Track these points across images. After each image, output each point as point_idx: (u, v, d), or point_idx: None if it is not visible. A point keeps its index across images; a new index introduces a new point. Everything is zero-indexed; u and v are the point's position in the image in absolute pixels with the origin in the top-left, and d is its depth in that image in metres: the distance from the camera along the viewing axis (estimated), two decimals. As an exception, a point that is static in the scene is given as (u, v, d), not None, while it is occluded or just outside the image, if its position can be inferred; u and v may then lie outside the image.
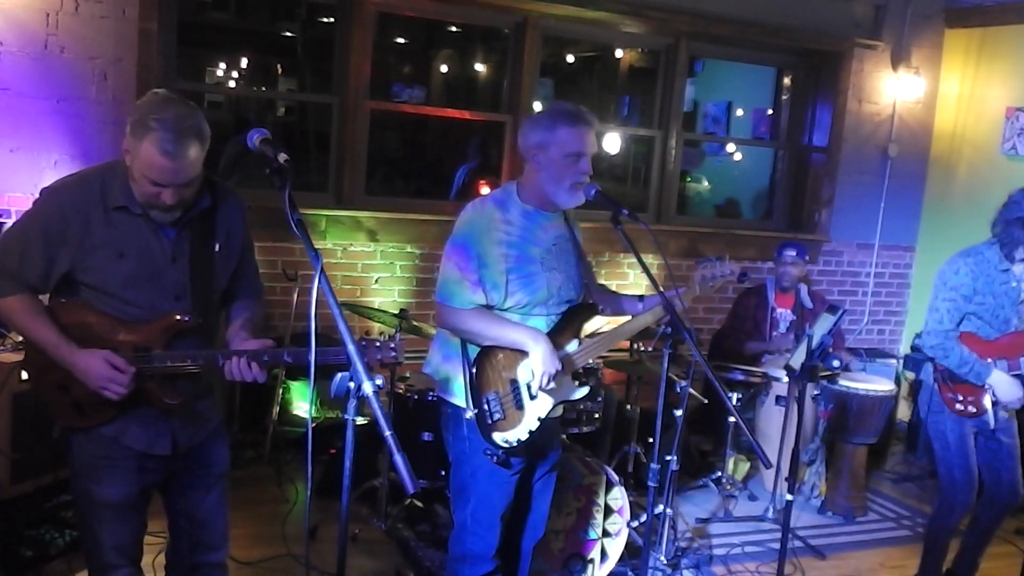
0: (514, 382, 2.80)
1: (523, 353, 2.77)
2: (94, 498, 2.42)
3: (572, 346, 2.89)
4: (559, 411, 2.97)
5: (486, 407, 2.77)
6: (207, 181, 2.41)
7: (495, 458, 2.79)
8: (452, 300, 2.77)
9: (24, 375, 3.38)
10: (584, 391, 2.95)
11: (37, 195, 2.36)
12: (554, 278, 2.84)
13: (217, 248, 2.44)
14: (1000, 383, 3.53)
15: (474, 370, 2.77)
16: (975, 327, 3.58)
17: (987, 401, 3.55)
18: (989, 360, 3.54)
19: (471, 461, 2.86)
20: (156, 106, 2.22)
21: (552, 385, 2.75)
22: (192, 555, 2.62)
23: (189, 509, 2.58)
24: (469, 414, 2.77)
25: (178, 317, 2.35)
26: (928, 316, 3.63)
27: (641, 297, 3.11)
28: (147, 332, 2.34)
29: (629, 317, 3.10)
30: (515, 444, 2.80)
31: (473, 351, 2.81)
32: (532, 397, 2.82)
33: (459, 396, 2.84)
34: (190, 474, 2.55)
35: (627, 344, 4.61)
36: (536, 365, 2.73)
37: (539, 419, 2.83)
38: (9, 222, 4.14)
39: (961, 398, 3.60)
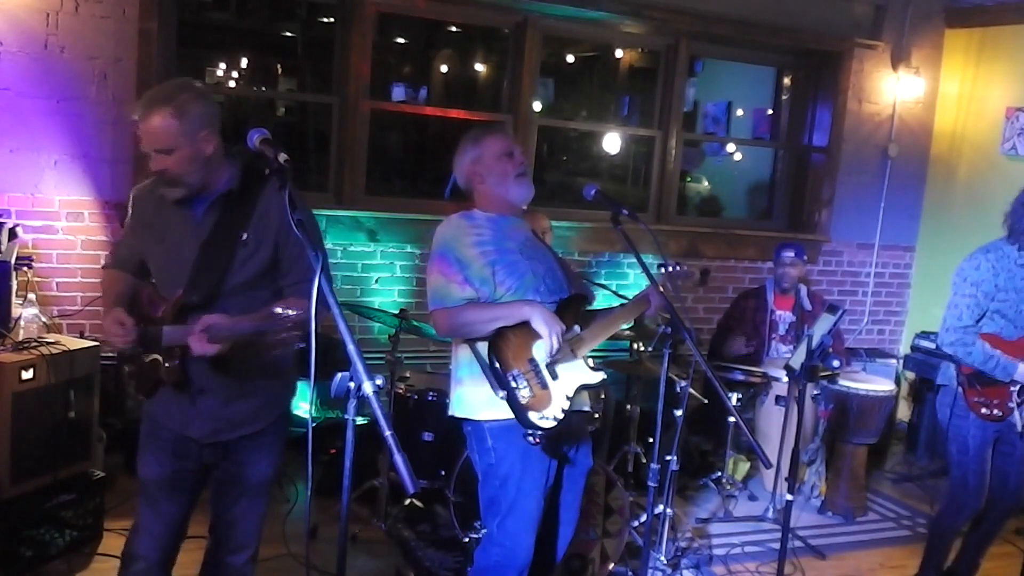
0: (533, 361, 2.82)
1: (534, 333, 2.78)
2: (138, 473, 2.61)
3: (574, 331, 2.92)
4: (586, 404, 2.99)
5: (514, 384, 2.77)
6: (243, 166, 2.50)
7: (535, 439, 2.77)
8: (445, 302, 2.83)
9: (27, 375, 3.39)
10: (600, 376, 2.95)
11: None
12: (537, 267, 2.92)
13: (244, 237, 2.45)
14: None
15: (493, 355, 2.79)
16: (998, 327, 3.51)
17: (1013, 403, 3.50)
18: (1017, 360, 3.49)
19: (498, 471, 2.87)
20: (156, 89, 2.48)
21: (556, 345, 2.75)
22: (216, 551, 2.72)
23: (219, 509, 2.69)
24: (501, 394, 2.76)
25: (177, 295, 2.45)
26: (946, 313, 3.54)
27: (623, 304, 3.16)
28: (166, 310, 2.46)
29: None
30: (553, 423, 2.78)
31: (482, 345, 2.83)
32: (554, 377, 2.83)
33: (478, 409, 2.86)
34: (224, 478, 2.64)
35: (627, 344, 4.61)
36: (540, 327, 2.75)
37: (568, 397, 2.83)
38: (9, 222, 4.14)
39: (987, 401, 3.53)
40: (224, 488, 2.65)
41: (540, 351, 2.80)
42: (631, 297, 3.16)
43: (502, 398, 2.77)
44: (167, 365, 2.46)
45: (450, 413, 2.97)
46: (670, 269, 3.17)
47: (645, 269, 2.86)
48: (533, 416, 2.78)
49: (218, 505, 2.68)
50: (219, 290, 2.45)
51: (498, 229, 2.92)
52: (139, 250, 2.61)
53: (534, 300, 2.83)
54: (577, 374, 2.88)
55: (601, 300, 3.35)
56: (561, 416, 2.81)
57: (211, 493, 2.70)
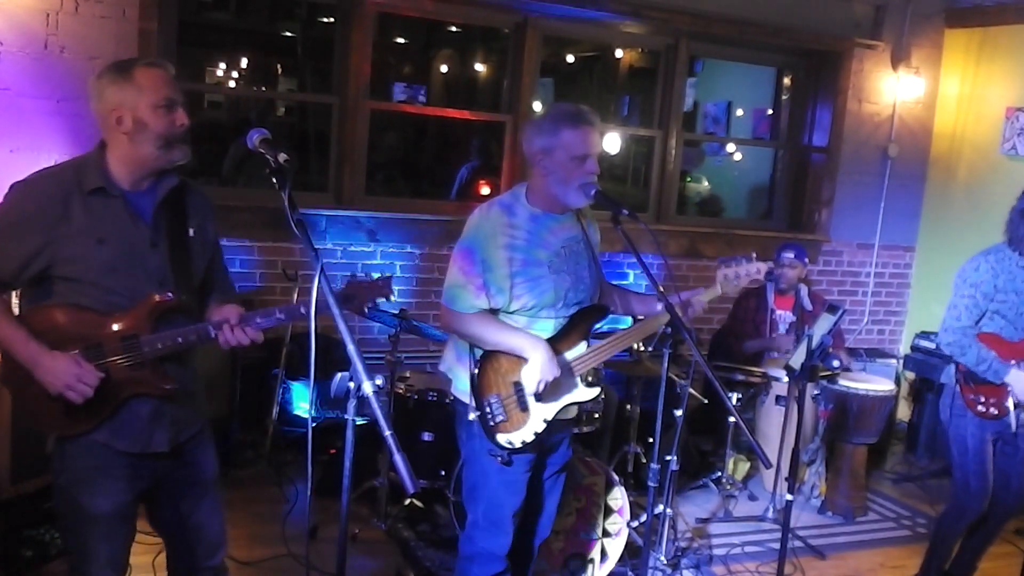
0: (517, 384, 2.81)
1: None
2: (87, 512, 2.34)
3: (580, 348, 2.89)
4: (572, 412, 2.98)
5: (488, 410, 2.77)
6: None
7: (499, 459, 2.79)
8: (455, 304, 2.79)
9: None
10: (595, 392, 2.96)
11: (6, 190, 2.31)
12: (562, 281, 2.83)
13: (192, 233, 2.44)
14: (1018, 381, 3.47)
15: (476, 372, 2.78)
16: (998, 327, 3.52)
17: (1009, 403, 3.51)
18: (1012, 361, 3.49)
19: (480, 459, 2.86)
20: (121, 60, 2.36)
21: (542, 389, 2.76)
22: (190, 560, 2.59)
23: (181, 519, 2.53)
24: (472, 416, 2.78)
25: (159, 297, 2.30)
26: (946, 314, 3.58)
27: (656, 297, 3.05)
28: (131, 319, 2.29)
29: (639, 316, 3.11)
30: (519, 446, 2.80)
31: (478, 353, 2.82)
32: (538, 399, 2.82)
33: (468, 394, 2.85)
34: (180, 483, 2.50)
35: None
36: (534, 372, 2.75)
37: (545, 421, 2.84)
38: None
39: (983, 399, 3.54)
40: (181, 495, 2.51)
41: (527, 375, 2.79)
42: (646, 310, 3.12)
43: (472, 419, 2.78)
44: (165, 381, 2.34)
45: (452, 391, 2.95)
46: (739, 262, 3.03)
47: (645, 269, 2.84)
48: (501, 438, 2.79)
49: (177, 515, 2.52)
50: (193, 289, 2.43)
51: (535, 232, 2.81)
52: (41, 257, 2.23)
53: (539, 340, 2.77)
54: (568, 395, 2.88)
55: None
56: (531, 439, 2.82)
57: (162, 508, 2.52)
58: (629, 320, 4.18)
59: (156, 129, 2.29)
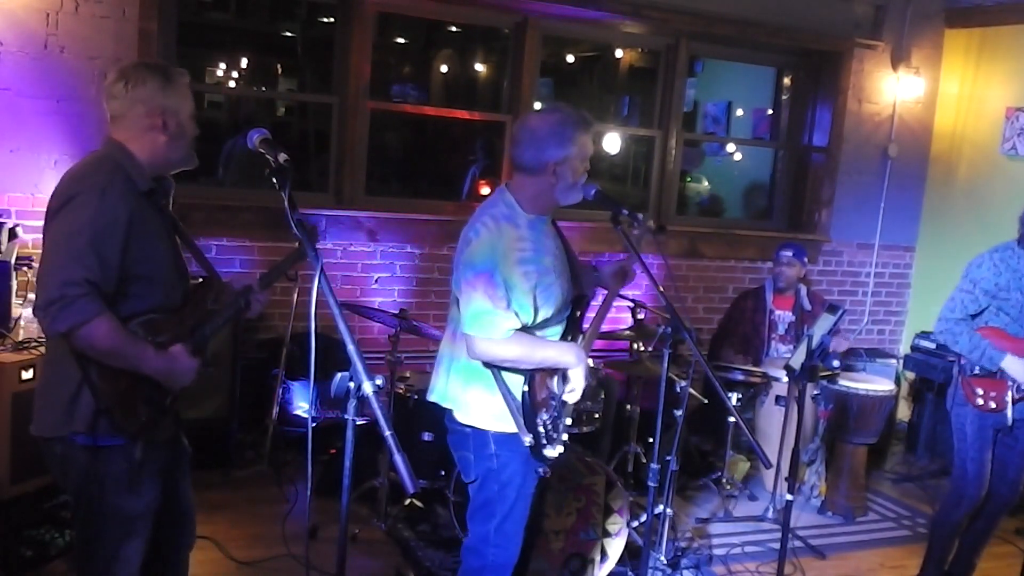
0: (553, 396, 2.80)
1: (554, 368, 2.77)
2: (126, 514, 2.32)
3: (579, 342, 2.89)
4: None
5: (541, 430, 2.74)
6: None
7: (545, 472, 2.81)
8: (490, 332, 2.65)
9: (27, 375, 3.38)
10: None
11: (77, 194, 2.23)
12: (564, 283, 2.82)
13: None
14: (1014, 366, 3.49)
15: (527, 390, 2.72)
16: (1003, 324, 3.57)
17: (1008, 397, 3.54)
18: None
19: (499, 477, 2.81)
20: (152, 63, 2.44)
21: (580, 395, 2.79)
22: (176, 538, 2.59)
23: (176, 500, 2.54)
24: (528, 440, 2.70)
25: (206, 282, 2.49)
26: (944, 304, 3.64)
27: (595, 268, 3.11)
28: (189, 314, 2.42)
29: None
30: (560, 451, 2.81)
31: (508, 376, 2.74)
32: (563, 405, 2.83)
33: (488, 421, 2.78)
34: (175, 464, 2.53)
35: (627, 344, 4.62)
36: (579, 382, 2.75)
37: (568, 425, 2.86)
38: (9, 222, 4.13)
39: (981, 392, 3.58)
40: (176, 476, 2.53)
41: (558, 385, 2.78)
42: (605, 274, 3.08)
43: (528, 443, 2.71)
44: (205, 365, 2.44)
45: (457, 418, 2.85)
46: (626, 216, 2.99)
47: (645, 269, 2.84)
48: (548, 452, 2.77)
49: (175, 496, 2.52)
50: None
51: (537, 240, 2.77)
52: (126, 255, 2.24)
53: (578, 348, 2.77)
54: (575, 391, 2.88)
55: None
56: (563, 447, 2.83)
57: (164, 496, 2.47)
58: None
59: (191, 134, 2.41)
